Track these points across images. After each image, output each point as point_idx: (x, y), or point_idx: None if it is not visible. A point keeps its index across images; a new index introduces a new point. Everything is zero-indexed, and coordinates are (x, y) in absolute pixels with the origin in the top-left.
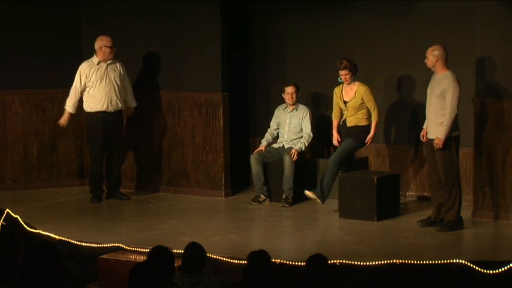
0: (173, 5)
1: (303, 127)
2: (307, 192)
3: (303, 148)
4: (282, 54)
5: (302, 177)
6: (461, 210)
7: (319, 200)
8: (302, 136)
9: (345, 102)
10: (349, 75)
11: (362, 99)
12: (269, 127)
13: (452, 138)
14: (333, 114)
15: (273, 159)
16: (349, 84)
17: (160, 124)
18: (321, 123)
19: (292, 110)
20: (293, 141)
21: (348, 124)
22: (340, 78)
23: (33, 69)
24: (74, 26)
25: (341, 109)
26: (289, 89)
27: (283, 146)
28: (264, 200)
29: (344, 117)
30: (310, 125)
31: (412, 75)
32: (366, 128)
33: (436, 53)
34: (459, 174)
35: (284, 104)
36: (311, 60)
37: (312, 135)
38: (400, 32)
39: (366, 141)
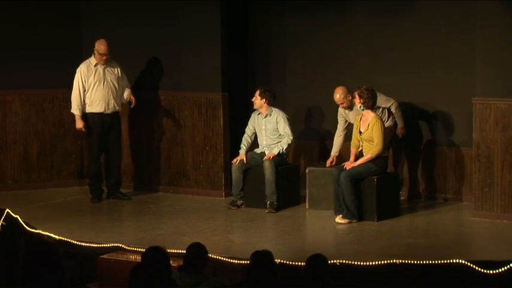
0: (173, 5)
1: (280, 131)
2: (338, 220)
3: (282, 150)
4: (282, 54)
5: (287, 182)
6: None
7: (354, 220)
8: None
9: (360, 133)
10: (360, 102)
11: (372, 132)
12: (245, 133)
13: None
14: (352, 142)
15: (256, 164)
16: (362, 110)
17: (160, 124)
18: (318, 124)
19: (266, 115)
20: (271, 146)
21: (365, 154)
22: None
23: (33, 69)
24: (74, 26)
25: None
26: (256, 93)
27: (265, 152)
28: (241, 205)
29: (360, 147)
30: (288, 126)
31: (411, 75)
32: (385, 159)
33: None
34: None
35: (259, 109)
36: (311, 61)
37: (291, 136)
38: (400, 32)
39: (343, 166)
